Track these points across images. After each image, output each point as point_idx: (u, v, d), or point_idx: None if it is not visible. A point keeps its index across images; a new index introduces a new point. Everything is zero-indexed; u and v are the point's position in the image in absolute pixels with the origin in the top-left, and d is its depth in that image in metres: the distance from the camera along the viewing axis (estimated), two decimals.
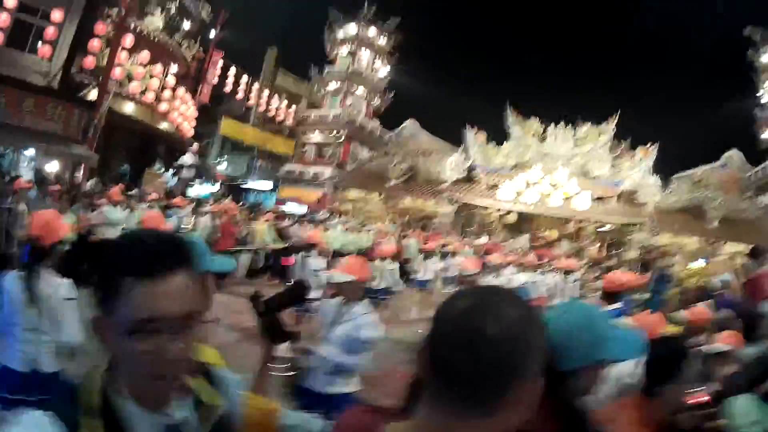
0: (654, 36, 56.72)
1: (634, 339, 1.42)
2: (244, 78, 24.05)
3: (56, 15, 14.69)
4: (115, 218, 8.50)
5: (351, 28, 28.43)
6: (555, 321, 1.19)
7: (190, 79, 20.82)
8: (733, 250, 19.22)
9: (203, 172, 30.27)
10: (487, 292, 0.82)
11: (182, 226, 9.90)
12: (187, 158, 22.34)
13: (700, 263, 18.62)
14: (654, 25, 54.62)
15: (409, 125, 26.48)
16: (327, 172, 26.51)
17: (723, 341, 3.19)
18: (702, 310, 4.31)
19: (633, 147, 22.83)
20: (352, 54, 28.20)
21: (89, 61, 15.49)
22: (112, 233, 8.18)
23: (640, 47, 64.03)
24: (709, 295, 7.44)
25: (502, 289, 0.85)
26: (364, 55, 28.53)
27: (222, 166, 35.27)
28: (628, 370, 2.66)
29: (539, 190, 21.84)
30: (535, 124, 24.09)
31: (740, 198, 22.22)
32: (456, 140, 24.85)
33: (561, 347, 1.15)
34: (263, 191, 31.69)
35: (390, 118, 28.80)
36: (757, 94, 24.87)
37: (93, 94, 15.76)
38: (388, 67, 29.34)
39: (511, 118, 24.24)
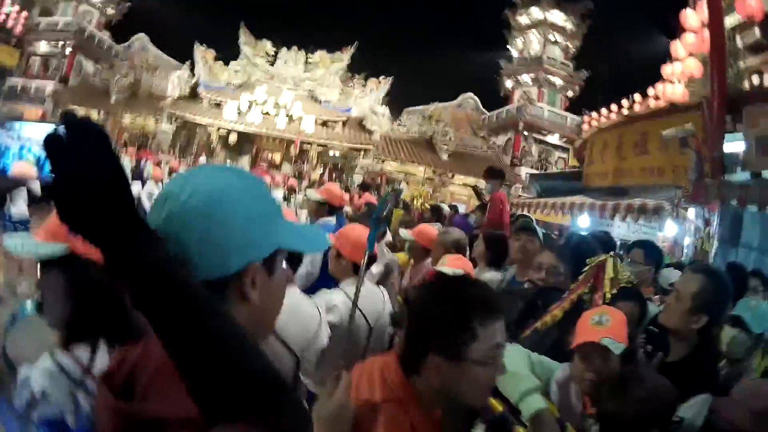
0: None
1: (317, 231, 0.99)
2: None
3: None
4: None
5: None
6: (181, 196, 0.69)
7: None
8: (462, 182, 21.00)
9: None
10: None
11: None
12: None
13: (426, 190, 20.13)
14: None
15: (139, 38, 24.80)
16: (50, 86, 23.98)
17: (450, 264, 2.67)
18: (429, 227, 3.90)
19: (367, 78, 23.24)
20: None
21: None
22: None
23: None
24: (437, 216, 6.81)
25: None
26: None
27: None
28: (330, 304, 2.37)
29: (264, 111, 21.51)
30: (267, 45, 23.57)
31: (473, 136, 23.98)
32: (186, 58, 23.46)
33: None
34: None
35: (122, 32, 26.84)
36: (507, 48, 27.25)
37: None
38: None
39: (243, 38, 23.47)
